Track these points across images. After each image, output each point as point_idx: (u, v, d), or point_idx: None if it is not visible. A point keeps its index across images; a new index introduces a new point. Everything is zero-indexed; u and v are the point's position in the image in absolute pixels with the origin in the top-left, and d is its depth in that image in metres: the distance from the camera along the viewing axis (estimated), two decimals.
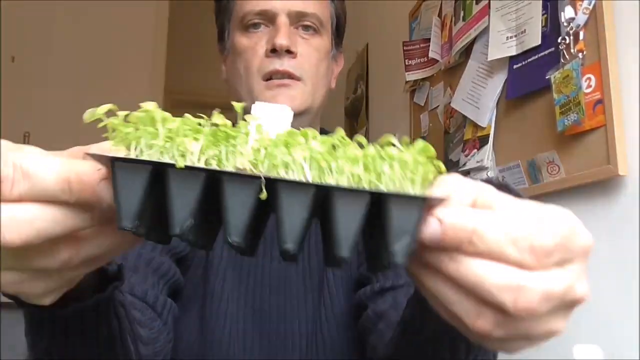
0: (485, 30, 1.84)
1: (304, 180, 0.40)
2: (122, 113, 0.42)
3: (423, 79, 2.38)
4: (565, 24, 1.44)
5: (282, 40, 0.94)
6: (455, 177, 0.41)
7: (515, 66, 1.68)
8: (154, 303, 0.83)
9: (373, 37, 3.14)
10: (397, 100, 2.64)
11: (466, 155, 1.91)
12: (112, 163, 0.40)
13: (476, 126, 1.88)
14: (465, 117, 1.96)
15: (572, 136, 1.41)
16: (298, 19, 0.99)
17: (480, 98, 1.87)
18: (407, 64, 2.43)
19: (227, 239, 0.39)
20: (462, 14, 2.03)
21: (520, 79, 1.66)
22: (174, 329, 0.88)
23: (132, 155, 0.41)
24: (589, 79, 1.35)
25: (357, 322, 0.91)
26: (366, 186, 0.40)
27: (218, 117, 0.43)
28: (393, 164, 0.40)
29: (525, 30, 1.63)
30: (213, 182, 0.40)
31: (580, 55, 1.38)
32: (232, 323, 0.91)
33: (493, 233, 0.37)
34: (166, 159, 0.40)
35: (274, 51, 0.95)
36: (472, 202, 0.40)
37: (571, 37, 1.42)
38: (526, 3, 1.64)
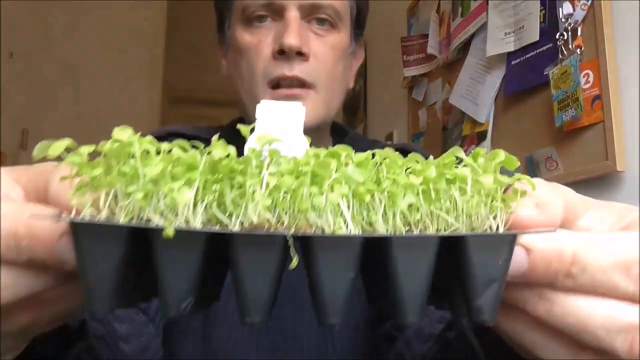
0: (484, 26, 1.84)
1: (344, 229, 0.30)
2: (85, 149, 0.32)
3: (421, 75, 2.38)
4: (563, 20, 1.45)
5: (291, 40, 0.79)
6: (542, 187, 0.33)
7: (513, 62, 1.68)
8: (147, 308, 0.72)
9: (371, 32, 3.12)
10: (395, 96, 2.64)
11: (465, 151, 1.91)
12: (73, 227, 0.30)
13: (474, 122, 1.88)
14: (463, 113, 1.96)
15: (571, 132, 1.41)
16: (311, 12, 0.83)
17: (478, 94, 1.87)
18: (405, 59, 2.43)
19: (244, 320, 0.30)
20: (460, 10, 2.03)
21: (519, 75, 1.66)
22: (171, 347, 0.78)
23: (103, 211, 0.30)
24: (587, 74, 1.35)
25: (377, 329, 0.79)
26: (430, 224, 0.31)
27: (219, 147, 0.32)
28: (465, 189, 0.32)
29: (523, 26, 1.63)
30: (217, 243, 0.30)
31: (578, 51, 1.38)
32: (238, 342, 0.79)
33: (599, 260, 0.29)
34: (151, 215, 0.30)
35: (282, 52, 0.80)
36: (563, 217, 0.32)
37: (569, 33, 1.42)
38: None
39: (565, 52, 1.43)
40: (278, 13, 0.83)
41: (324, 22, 0.84)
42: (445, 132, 2.12)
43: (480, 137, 1.84)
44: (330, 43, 0.84)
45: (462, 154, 0.33)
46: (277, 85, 0.81)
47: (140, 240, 0.30)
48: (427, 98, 2.34)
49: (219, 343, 0.77)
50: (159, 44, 3.89)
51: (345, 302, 0.30)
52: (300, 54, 0.80)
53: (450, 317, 0.61)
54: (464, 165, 0.33)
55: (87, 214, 0.30)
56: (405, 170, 0.33)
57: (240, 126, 0.35)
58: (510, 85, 1.71)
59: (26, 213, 0.31)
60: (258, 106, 0.39)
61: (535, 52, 1.58)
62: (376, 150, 0.34)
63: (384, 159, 0.33)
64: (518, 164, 0.33)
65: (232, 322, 0.77)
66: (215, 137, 0.32)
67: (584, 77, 1.36)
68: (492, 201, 0.31)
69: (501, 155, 0.32)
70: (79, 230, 0.29)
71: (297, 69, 0.80)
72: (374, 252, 0.31)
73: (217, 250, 0.31)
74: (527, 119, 1.62)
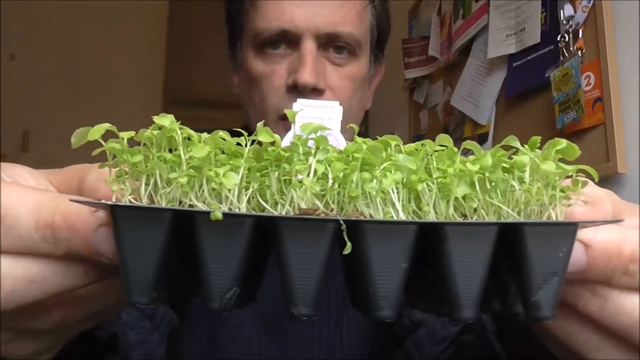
0: (485, 28, 1.84)
1: (394, 216, 0.29)
2: (125, 134, 0.30)
3: (422, 77, 2.37)
4: (564, 22, 1.44)
5: (307, 77, 0.74)
6: (591, 185, 0.32)
7: (514, 64, 1.68)
8: (153, 314, 0.71)
9: None
10: (396, 98, 2.64)
11: (465, 154, 1.91)
12: (113, 211, 0.28)
13: (475, 124, 1.88)
14: (464, 115, 1.96)
15: (572, 134, 1.41)
16: (328, 41, 0.78)
17: (479, 96, 1.87)
18: (406, 61, 2.42)
19: (291, 311, 0.29)
20: (461, 11, 2.03)
21: (520, 77, 1.66)
22: (177, 347, 0.76)
23: (144, 198, 0.29)
24: (588, 76, 1.35)
25: (387, 331, 0.77)
26: (485, 215, 0.29)
27: (264, 133, 0.30)
28: (523, 178, 0.30)
29: (524, 28, 1.63)
30: (263, 229, 0.29)
31: (579, 53, 1.38)
32: (246, 342, 0.77)
33: None
34: (194, 202, 0.29)
35: (296, 87, 0.75)
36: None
37: (570, 35, 1.42)
38: (525, 1, 1.63)
39: (566, 54, 1.43)
40: (293, 41, 0.77)
41: (342, 50, 0.79)
42: (446, 134, 2.11)
43: (482, 139, 1.84)
44: (348, 74, 0.80)
45: (517, 144, 0.31)
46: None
47: (183, 230, 0.29)
48: (428, 100, 2.34)
49: (227, 343, 0.75)
50: (159, 46, 3.89)
51: (398, 294, 0.29)
52: (316, 90, 0.76)
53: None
54: (522, 154, 0.31)
55: (127, 202, 0.29)
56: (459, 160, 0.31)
57: (287, 111, 0.33)
58: (512, 87, 1.71)
59: (64, 202, 0.29)
60: (294, 105, 0.37)
61: (536, 54, 1.58)
62: (427, 140, 0.33)
63: (435, 150, 0.32)
64: (579, 152, 0.31)
65: (241, 322, 0.75)
66: (260, 124, 0.31)
67: (585, 79, 1.35)
68: (552, 190, 0.29)
69: (562, 142, 0.30)
70: (120, 216, 0.28)
71: None
72: (425, 245, 0.29)
73: (259, 242, 0.30)
74: (528, 121, 1.62)
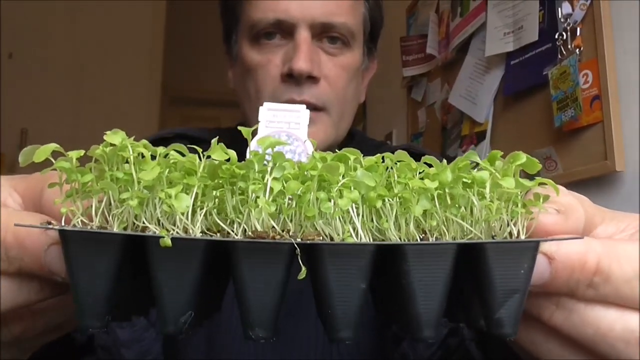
0: (483, 26, 1.84)
1: (354, 238, 0.28)
2: (73, 153, 0.29)
3: (420, 75, 2.37)
4: (562, 20, 1.45)
5: (302, 64, 0.75)
6: (564, 193, 0.31)
7: (512, 62, 1.68)
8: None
9: None
10: (394, 96, 2.64)
11: (463, 151, 1.91)
12: (63, 235, 0.27)
13: (473, 122, 1.88)
14: (462, 113, 1.96)
15: (570, 132, 1.41)
16: (323, 31, 0.79)
17: (477, 94, 1.87)
18: (404, 59, 2.43)
19: (248, 334, 0.28)
20: (459, 9, 2.03)
21: (518, 75, 1.66)
22: (174, 346, 0.76)
23: (95, 219, 0.28)
24: (586, 75, 1.35)
25: (385, 331, 0.76)
26: (446, 231, 0.29)
27: (218, 150, 0.29)
28: (484, 193, 0.29)
29: (522, 26, 1.63)
30: (218, 253, 0.28)
31: (577, 51, 1.38)
32: (242, 342, 0.75)
33: (623, 269, 0.28)
34: (146, 224, 0.28)
35: (291, 76, 0.76)
36: (584, 226, 0.30)
37: (568, 33, 1.42)
38: None
39: (564, 52, 1.43)
40: (288, 31, 0.78)
41: (336, 40, 0.80)
42: (444, 132, 2.11)
43: (479, 137, 1.84)
44: (342, 63, 0.81)
45: (477, 158, 0.31)
46: None
47: (136, 250, 0.28)
48: (426, 98, 2.34)
49: (223, 351, 0.75)
50: (158, 45, 3.88)
51: (357, 315, 0.28)
52: (311, 78, 0.76)
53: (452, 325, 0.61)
54: (481, 169, 0.30)
55: (78, 223, 0.28)
56: (419, 174, 0.31)
57: (241, 128, 0.33)
58: (509, 85, 1.71)
59: (14, 221, 0.29)
60: (261, 108, 0.37)
61: (534, 52, 1.58)
62: (386, 154, 0.32)
63: (395, 162, 0.31)
64: (540, 166, 0.31)
65: (237, 330, 0.74)
66: (214, 141, 0.30)
67: (582, 77, 1.36)
68: (512, 206, 0.29)
69: (522, 157, 0.30)
70: (69, 239, 0.27)
71: (306, 93, 0.76)
72: (386, 262, 0.29)
73: (218, 260, 0.29)
74: (526, 119, 1.62)
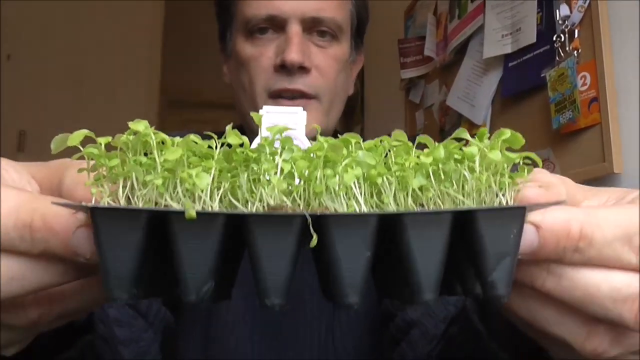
0: (481, 28, 1.84)
1: (357, 208, 0.31)
2: (102, 139, 0.32)
3: (418, 77, 2.37)
4: (560, 22, 1.45)
5: (293, 55, 0.80)
6: (544, 172, 0.35)
7: (510, 64, 1.68)
8: (146, 312, 0.71)
9: (368, 35, 3.12)
10: (392, 98, 2.64)
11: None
12: (93, 213, 0.29)
13: (471, 124, 1.88)
14: (460, 115, 1.96)
15: (568, 134, 1.41)
16: (313, 25, 0.84)
17: (475, 96, 1.87)
18: (402, 61, 2.43)
19: (263, 302, 0.30)
20: (457, 11, 2.03)
21: (516, 77, 1.66)
22: (171, 345, 0.76)
23: (122, 200, 0.31)
24: (584, 76, 1.36)
25: (383, 332, 0.77)
26: (441, 204, 0.32)
27: (232, 136, 0.32)
28: (474, 167, 0.33)
29: (520, 28, 1.63)
30: (235, 226, 0.31)
31: (575, 53, 1.39)
32: (239, 341, 0.77)
33: (604, 233, 0.30)
34: (169, 202, 0.30)
35: (283, 67, 0.81)
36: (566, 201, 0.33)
37: (566, 35, 1.42)
38: (521, 1, 1.63)
39: (562, 54, 1.43)
40: (280, 26, 0.83)
41: (325, 34, 0.86)
42: (442, 134, 2.11)
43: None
44: (331, 55, 0.86)
45: (467, 135, 0.34)
46: (279, 96, 0.82)
47: (158, 231, 0.30)
48: (424, 100, 2.34)
49: (220, 344, 0.76)
50: (156, 48, 3.88)
51: (363, 281, 0.30)
52: (302, 68, 0.81)
53: (453, 314, 0.63)
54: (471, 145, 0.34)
55: (105, 204, 0.31)
56: (414, 153, 0.34)
57: (253, 114, 0.35)
58: (507, 87, 1.71)
59: (43, 203, 0.30)
60: (260, 112, 0.39)
61: (532, 54, 1.58)
62: (384, 137, 0.35)
63: (393, 145, 0.34)
64: (523, 141, 0.34)
65: (234, 323, 0.77)
66: (228, 127, 0.32)
67: (581, 79, 1.36)
68: (500, 177, 0.32)
69: (506, 133, 0.33)
70: (100, 217, 0.29)
71: (299, 82, 0.81)
72: (386, 237, 0.31)
73: (232, 238, 0.31)
74: (524, 121, 1.62)
